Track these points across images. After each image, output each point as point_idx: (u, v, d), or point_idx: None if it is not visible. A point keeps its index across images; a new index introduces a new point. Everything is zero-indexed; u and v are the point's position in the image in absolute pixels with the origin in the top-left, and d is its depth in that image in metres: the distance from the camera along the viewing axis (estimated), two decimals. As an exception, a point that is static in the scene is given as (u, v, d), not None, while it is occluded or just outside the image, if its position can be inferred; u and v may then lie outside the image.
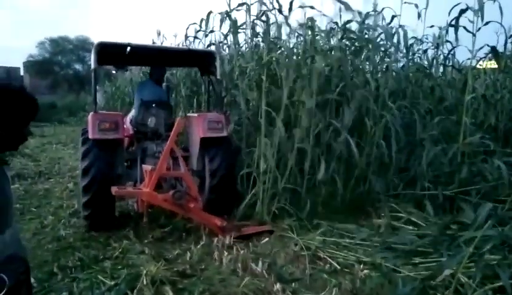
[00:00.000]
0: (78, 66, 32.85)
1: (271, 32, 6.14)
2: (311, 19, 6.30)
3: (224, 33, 6.17)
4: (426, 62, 6.24)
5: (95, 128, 4.05)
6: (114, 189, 3.75)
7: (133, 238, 3.95)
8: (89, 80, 20.21)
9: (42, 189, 6.11)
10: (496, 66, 5.99)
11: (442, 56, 5.85)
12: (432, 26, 5.70)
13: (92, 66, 4.39)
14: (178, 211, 3.86)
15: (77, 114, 21.10)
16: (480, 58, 5.11)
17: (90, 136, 4.06)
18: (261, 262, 3.24)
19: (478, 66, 5.81)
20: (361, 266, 3.12)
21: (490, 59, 5.78)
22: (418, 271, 3.00)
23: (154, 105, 4.82)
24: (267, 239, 3.86)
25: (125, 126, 4.62)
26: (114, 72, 14.53)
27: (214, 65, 4.81)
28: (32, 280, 2.95)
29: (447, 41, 5.84)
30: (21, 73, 42.87)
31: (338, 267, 3.21)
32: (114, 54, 4.86)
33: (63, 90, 31.60)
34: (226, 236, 3.77)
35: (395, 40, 5.84)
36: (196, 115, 4.87)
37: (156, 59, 5.41)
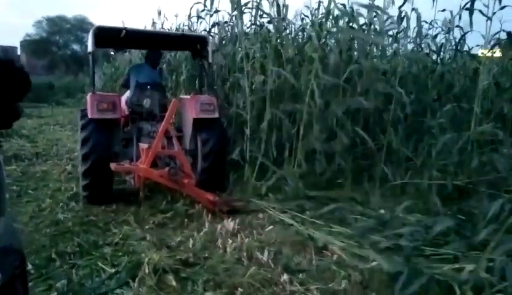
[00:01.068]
0: (76, 47, 32.38)
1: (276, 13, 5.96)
2: (319, 1, 6.14)
3: (230, 13, 5.97)
4: (434, 48, 6.07)
5: (94, 108, 4.26)
6: (113, 165, 4.01)
7: (134, 224, 3.83)
8: (87, 61, 20.01)
9: (40, 171, 5.96)
10: (499, 54, 5.80)
11: (452, 42, 5.69)
12: (444, 10, 5.52)
13: (90, 49, 4.56)
14: (173, 186, 4.07)
15: (75, 95, 20.83)
16: (494, 45, 4.94)
17: (89, 115, 4.27)
18: (266, 252, 3.12)
19: (480, 54, 5.67)
20: (370, 258, 3.00)
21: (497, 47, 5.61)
22: (429, 263, 2.90)
23: (149, 87, 5.03)
24: (271, 227, 3.75)
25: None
26: (112, 53, 14.30)
27: (206, 49, 5.00)
28: (30, 266, 2.87)
29: (458, 26, 5.68)
30: (18, 52, 42.34)
31: (346, 258, 3.09)
32: (110, 37, 5.07)
33: (60, 70, 31.20)
34: (229, 224, 3.68)
35: (404, 24, 5.68)
36: (188, 97, 5.09)
37: (150, 43, 5.65)
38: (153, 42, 5.62)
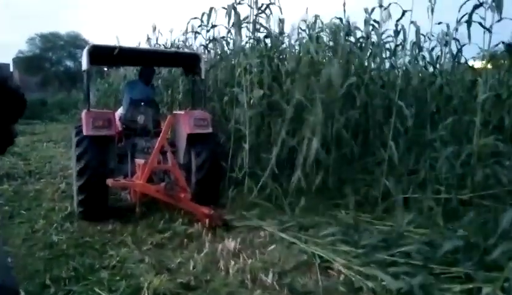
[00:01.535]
0: (69, 63, 32.27)
1: (274, 28, 5.95)
2: (315, 15, 6.14)
3: (227, 27, 5.94)
4: (429, 60, 6.05)
5: (89, 125, 4.28)
6: (109, 181, 4.03)
7: (131, 245, 3.70)
8: (80, 78, 19.91)
9: (33, 190, 5.80)
10: (490, 66, 5.80)
11: (448, 55, 5.68)
12: (440, 23, 5.51)
13: (85, 67, 4.60)
14: (169, 200, 4.09)
15: (68, 111, 20.63)
16: (492, 56, 4.93)
17: (85, 132, 4.28)
18: (271, 273, 3.01)
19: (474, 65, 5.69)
20: (378, 277, 2.90)
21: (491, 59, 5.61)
22: (440, 283, 2.80)
23: (142, 103, 5.12)
24: (273, 246, 3.63)
25: None
26: (106, 69, 14.22)
27: (199, 66, 5.08)
28: (23, 294, 2.72)
29: (454, 39, 5.68)
30: (11, 69, 42.18)
31: (353, 278, 2.98)
32: (105, 55, 5.15)
33: (53, 87, 31.03)
34: (230, 243, 3.57)
35: (401, 36, 5.67)
36: (182, 112, 5.12)
37: (143, 60, 5.76)
38: (146, 59, 5.73)
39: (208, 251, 3.50)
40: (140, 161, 4.25)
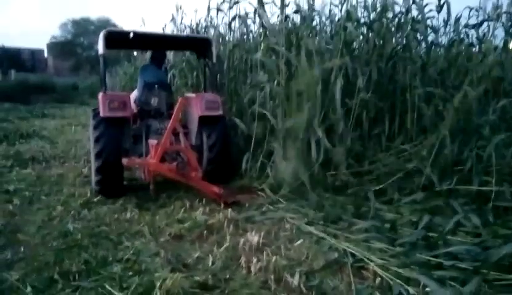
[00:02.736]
0: (100, 47, 32.69)
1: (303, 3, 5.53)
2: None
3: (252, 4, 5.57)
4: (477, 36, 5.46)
5: (106, 107, 4.43)
6: (124, 161, 4.19)
7: (148, 236, 3.47)
8: (111, 62, 20.11)
9: (55, 174, 5.72)
10: None
11: (498, 30, 5.09)
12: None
13: (101, 51, 4.70)
14: (181, 179, 4.24)
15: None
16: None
17: (101, 114, 4.44)
18: (297, 273, 2.69)
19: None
20: (421, 282, 2.52)
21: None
22: (494, 293, 2.40)
23: (156, 86, 5.22)
24: (301, 241, 3.31)
25: None
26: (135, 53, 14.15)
27: (210, 50, 5.19)
28: (29, 289, 2.54)
29: (506, 12, 5.08)
30: (45, 54, 43.30)
31: (391, 282, 2.62)
32: (120, 40, 5.34)
33: (85, 71, 31.62)
34: (253, 237, 3.27)
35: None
36: (194, 95, 5.26)
37: (157, 44, 5.86)
38: (159, 43, 5.86)
39: (229, 245, 3.22)
40: (153, 141, 4.36)
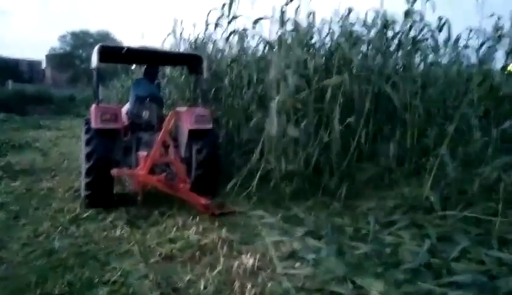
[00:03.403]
0: (98, 60, 32.73)
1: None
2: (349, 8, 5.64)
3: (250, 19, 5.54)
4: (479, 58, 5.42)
5: (98, 119, 4.52)
6: (114, 171, 4.23)
7: (138, 256, 3.31)
8: (108, 75, 20.05)
9: (45, 188, 5.55)
10: None
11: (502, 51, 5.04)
12: (492, 15, 4.90)
13: (94, 65, 4.85)
14: (169, 190, 4.32)
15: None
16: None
17: (93, 125, 4.53)
18: (294, 301, 2.54)
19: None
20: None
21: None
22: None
23: (147, 100, 5.32)
24: (298, 263, 3.16)
25: None
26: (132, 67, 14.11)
27: (201, 66, 5.33)
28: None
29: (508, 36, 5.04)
30: (43, 66, 43.33)
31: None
32: (113, 54, 5.50)
33: (82, 83, 31.58)
34: (248, 259, 3.12)
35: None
36: (184, 109, 5.37)
37: (150, 59, 6.00)
38: (152, 59, 5.97)
39: (222, 268, 3.06)
40: (142, 153, 4.44)
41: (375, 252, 3.25)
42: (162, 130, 4.46)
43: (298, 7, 5.39)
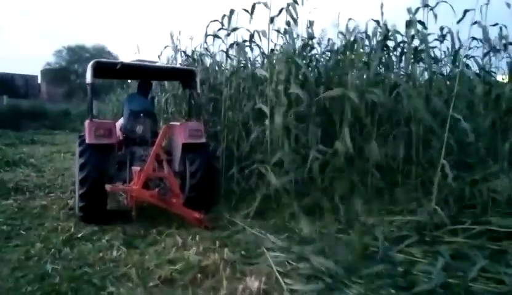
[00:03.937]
0: (94, 75, 32.72)
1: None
2: (348, 19, 5.56)
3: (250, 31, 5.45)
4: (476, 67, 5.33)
5: (92, 134, 4.53)
6: (108, 186, 4.24)
7: (136, 279, 3.12)
8: (104, 90, 19.91)
9: (39, 206, 5.35)
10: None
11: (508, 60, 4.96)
12: (495, 25, 4.81)
13: (88, 80, 4.87)
14: (162, 205, 4.33)
15: (90, 122, 20.52)
16: None
17: (87, 141, 4.54)
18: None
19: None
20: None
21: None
22: None
23: (141, 115, 5.33)
24: (307, 286, 2.98)
25: None
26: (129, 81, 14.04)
27: (194, 81, 5.38)
28: None
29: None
30: (39, 81, 43.22)
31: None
32: (107, 70, 5.46)
33: (78, 98, 31.44)
34: (253, 282, 2.94)
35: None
36: (178, 123, 5.42)
37: (143, 74, 6.01)
38: (146, 74, 5.98)
39: (226, 291, 2.88)
40: (136, 168, 4.40)
41: (386, 272, 3.07)
42: (155, 144, 4.49)
43: (295, 19, 5.26)
